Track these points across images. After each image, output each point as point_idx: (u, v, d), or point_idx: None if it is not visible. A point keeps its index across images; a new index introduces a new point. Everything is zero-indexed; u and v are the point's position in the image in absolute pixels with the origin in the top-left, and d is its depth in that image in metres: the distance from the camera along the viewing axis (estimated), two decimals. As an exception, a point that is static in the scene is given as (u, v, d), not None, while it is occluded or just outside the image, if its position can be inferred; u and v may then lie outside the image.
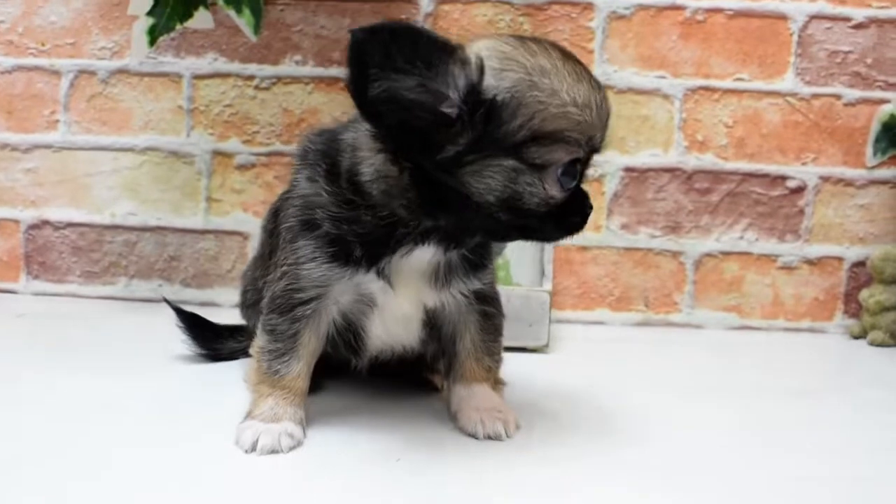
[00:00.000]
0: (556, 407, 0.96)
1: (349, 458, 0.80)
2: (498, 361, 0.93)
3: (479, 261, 0.87)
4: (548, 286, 1.20)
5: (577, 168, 0.77)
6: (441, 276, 0.85)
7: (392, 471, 0.77)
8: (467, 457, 0.81)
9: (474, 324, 0.90)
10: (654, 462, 0.82)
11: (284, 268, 0.84)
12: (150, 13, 1.23)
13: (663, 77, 1.34)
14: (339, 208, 0.81)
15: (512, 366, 0.98)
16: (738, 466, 0.82)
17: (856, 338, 1.34)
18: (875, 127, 1.35)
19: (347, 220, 0.81)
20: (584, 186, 0.80)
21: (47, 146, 1.38)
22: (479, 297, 0.89)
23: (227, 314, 1.32)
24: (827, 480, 0.80)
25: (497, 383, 0.94)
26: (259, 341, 0.87)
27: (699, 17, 1.34)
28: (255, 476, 0.76)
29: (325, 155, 0.84)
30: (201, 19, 1.25)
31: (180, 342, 1.09)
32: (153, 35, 1.23)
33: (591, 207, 0.81)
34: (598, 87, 0.78)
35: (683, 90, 1.34)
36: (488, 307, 0.90)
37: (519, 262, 1.26)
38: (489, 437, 0.85)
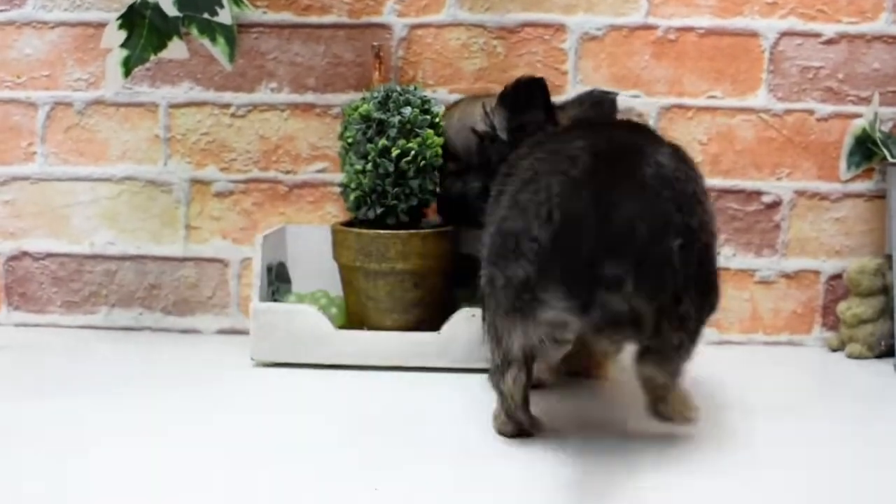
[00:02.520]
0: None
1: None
2: None
3: None
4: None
5: None
6: None
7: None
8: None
9: None
10: (637, 480, 0.82)
11: None
12: (123, 45, 1.23)
13: (637, 96, 1.35)
14: None
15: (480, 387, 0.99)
16: (724, 483, 0.83)
17: (834, 350, 1.35)
18: (848, 141, 1.36)
19: None
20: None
21: (25, 178, 1.38)
22: None
23: (209, 341, 1.33)
24: (813, 496, 0.81)
25: None
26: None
27: (671, 37, 1.35)
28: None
29: None
30: (175, 49, 1.26)
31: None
32: (127, 66, 1.23)
33: None
34: None
35: (657, 109, 1.36)
36: None
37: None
38: None
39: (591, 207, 0.82)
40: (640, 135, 1.00)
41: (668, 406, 0.94)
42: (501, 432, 0.94)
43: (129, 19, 1.23)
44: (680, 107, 1.35)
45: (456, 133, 1.18)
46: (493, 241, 0.91)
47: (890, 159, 1.29)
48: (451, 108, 1.23)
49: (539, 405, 0.97)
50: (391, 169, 1.13)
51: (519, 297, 0.85)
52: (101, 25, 1.30)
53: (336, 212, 1.36)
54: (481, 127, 1.13)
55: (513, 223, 0.87)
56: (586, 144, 0.90)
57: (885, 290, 1.31)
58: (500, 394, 0.93)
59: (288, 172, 1.37)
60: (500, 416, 0.95)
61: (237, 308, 1.38)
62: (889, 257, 1.31)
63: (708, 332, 1.35)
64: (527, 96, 1.10)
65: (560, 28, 1.35)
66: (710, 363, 1.28)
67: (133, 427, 0.96)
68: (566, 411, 1.04)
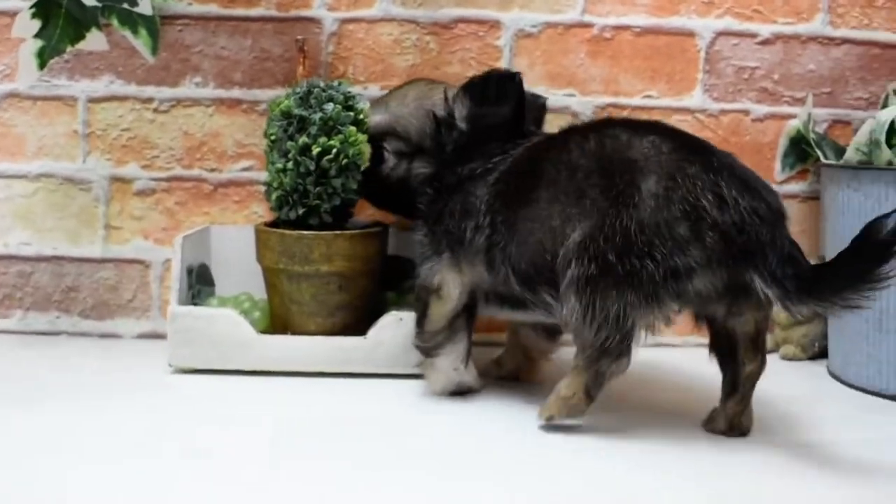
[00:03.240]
0: (490, 432, 0.95)
1: None
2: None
3: None
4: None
5: None
6: None
7: None
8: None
9: None
10: (577, 482, 0.80)
11: None
12: (38, 35, 1.18)
13: (572, 95, 1.33)
14: None
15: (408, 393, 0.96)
16: (672, 486, 0.82)
17: (768, 352, 1.35)
18: (783, 142, 1.36)
19: None
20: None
21: (-66, 174, 1.32)
22: None
23: (129, 345, 1.29)
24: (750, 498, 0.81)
25: None
26: None
27: (607, 35, 1.33)
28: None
29: None
30: (94, 41, 1.21)
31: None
32: (42, 58, 1.18)
33: None
34: None
35: (593, 108, 1.34)
36: None
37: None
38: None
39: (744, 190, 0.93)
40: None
41: (748, 416, 1.00)
42: (574, 413, 0.96)
43: (44, 8, 1.18)
44: (615, 106, 1.34)
45: (410, 113, 1.14)
46: (625, 236, 0.91)
47: (824, 160, 1.28)
48: (403, 86, 1.19)
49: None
50: (312, 168, 1.09)
51: (677, 280, 0.91)
52: (16, 14, 1.24)
53: (262, 212, 1.32)
54: (440, 112, 1.10)
55: (661, 215, 0.90)
56: (654, 141, 0.94)
57: (818, 293, 1.31)
58: (602, 375, 0.94)
59: (213, 170, 1.32)
60: (576, 395, 0.95)
61: (158, 311, 1.33)
62: (823, 258, 1.30)
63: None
64: (496, 90, 1.06)
65: (494, 24, 1.32)
66: (645, 366, 1.27)
67: (45, 436, 0.91)
68: (508, 413, 1.02)
